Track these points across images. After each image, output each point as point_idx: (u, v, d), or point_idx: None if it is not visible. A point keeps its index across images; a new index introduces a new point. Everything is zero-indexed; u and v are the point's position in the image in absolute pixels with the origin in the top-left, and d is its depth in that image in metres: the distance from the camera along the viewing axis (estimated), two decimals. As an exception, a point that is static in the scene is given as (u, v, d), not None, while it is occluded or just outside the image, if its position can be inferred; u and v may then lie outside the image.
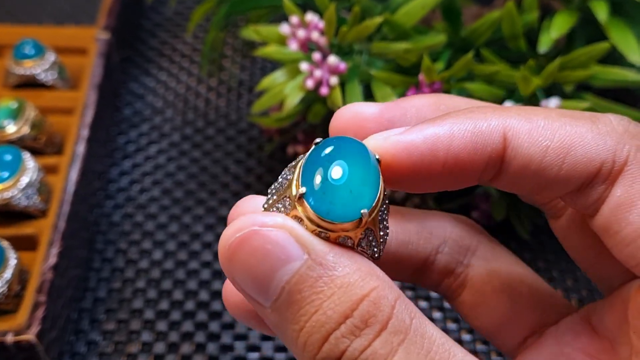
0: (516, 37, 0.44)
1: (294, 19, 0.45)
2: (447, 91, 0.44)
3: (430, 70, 0.42)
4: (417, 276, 0.32)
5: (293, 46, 0.45)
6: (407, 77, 0.44)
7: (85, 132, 0.52)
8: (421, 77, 0.43)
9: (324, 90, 0.44)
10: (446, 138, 0.24)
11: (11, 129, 0.49)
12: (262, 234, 0.22)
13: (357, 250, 0.23)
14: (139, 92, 0.63)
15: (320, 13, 0.45)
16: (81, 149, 0.51)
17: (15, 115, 0.50)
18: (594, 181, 0.24)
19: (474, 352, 0.46)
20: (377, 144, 0.25)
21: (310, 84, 0.44)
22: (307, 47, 0.45)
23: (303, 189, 0.23)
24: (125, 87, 0.63)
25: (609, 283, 0.29)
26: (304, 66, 0.44)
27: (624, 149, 0.24)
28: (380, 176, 0.24)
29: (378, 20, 0.43)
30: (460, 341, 0.47)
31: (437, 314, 0.49)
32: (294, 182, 0.24)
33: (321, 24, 0.44)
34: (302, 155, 0.25)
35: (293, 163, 0.25)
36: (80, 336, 0.47)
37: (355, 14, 0.43)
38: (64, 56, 0.58)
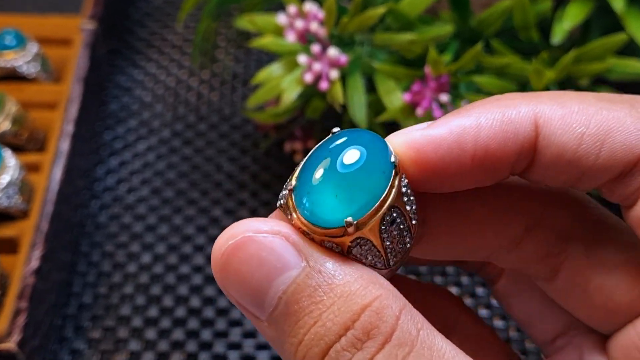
0: (528, 28, 0.44)
1: (292, 8, 0.45)
2: (454, 85, 0.44)
3: (437, 63, 0.42)
4: (459, 261, 0.32)
5: (290, 37, 0.45)
6: (412, 70, 0.44)
7: (69, 128, 0.52)
8: (427, 69, 0.43)
9: (323, 85, 0.44)
10: (473, 129, 0.24)
11: (-9, 124, 0.49)
12: (256, 241, 0.22)
13: (350, 257, 0.23)
14: (127, 86, 0.63)
15: (319, 2, 0.45)
16: (65, 145, 0.50)
17: (-5, 109, 0.49)
18: (633, 170, 0.24)
19: (507, 339, 0.47)
20: (400, 140, 0.24)
21: (308, 77, 0.44)
22: (306, 38, 0.45)
23: (293, 183, 0.23)
24: (112, 80, 0.63)
25: (551, 339, 0.29)
26: (302, 59, 0.44)
27: None
28: (394, 180, 0.23)
29: (381, 9, 0.42)
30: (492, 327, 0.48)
31: (468, 300, 0.49)
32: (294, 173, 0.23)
33: (320, 14, 0.44)
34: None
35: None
36: (64, 344, 0.47)
37: (357, 3, 0.43)
38: (47, 47, 0.57)
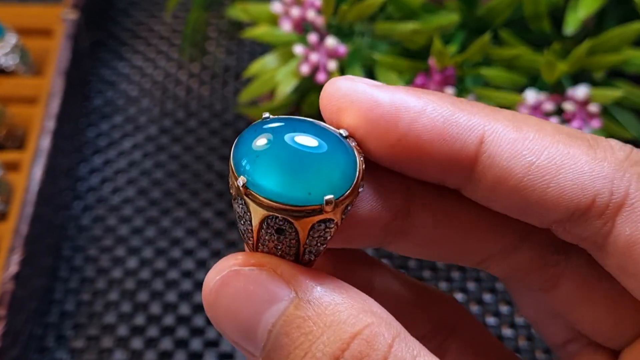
0: (539, 17, 0.44)
1: (287, -5, 0.45)
2: (460, 78, 0.44)
3: (442, 54, 0.42)
4: (489, 264, 0.31)
5: (286, 26, 0.45)
6: (415, 62, 0.44)
7: (50, 124, 0.51)
8: (431, 61, 0.43)
9: (321, 77, 0.44)
10: (415, 112, 0.24)
11: (-34, 120, 0.49)
12: (243, 274, 0.23)
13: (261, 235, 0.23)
14: (111, 79, 0.63)
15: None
16: (46, 143, 0.50)
17: (-29, 104, 0.49)
18: (587, 214, 0.24)
19: (516, 350, 0.47)
20: (341, 83, 0.24)
21: (305, 69, 0.44)
22: (302, 27, 0.45)
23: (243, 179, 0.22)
24: (95, 73, 0.63)
25: (562, 342, 0.30)
26: (298, 49, 0.44)
27: (624, 178, 0.23)
28: (359, 158, 0.23)
29: (383, -3, 0.43)
30: (500, 337, 0.48)
31: (475, 307, 0.48)
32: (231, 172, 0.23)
33: (318, 2, 0.44)
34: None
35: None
36: (45, 354, 0.47)
37: (357, -10, 0.43)
38: (27, 38, 0.57)
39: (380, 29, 0.45)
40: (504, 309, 0.49)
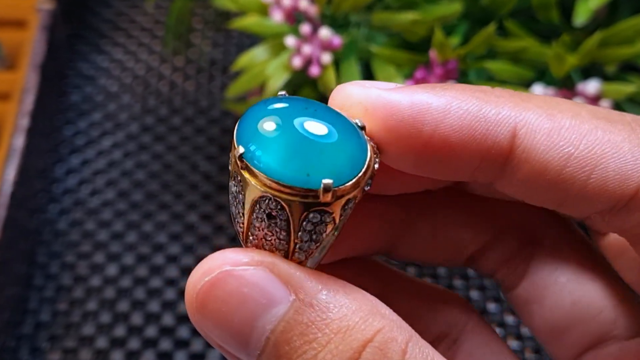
0: (547, 7, 0.44)
1: (278, -17, 0.45)
2: (463, 71, 0.44)
3: (443, 47, 0.42)
4: (470, 262, 0.31)
5: (276, 16, 0.45)
6: (415, 55, 0.44)
7: (24, 122, 0.51)
8: (432, 54, 0.42)
9: (314, 70, 0.44)
10: (439, 112, 0.23)
11: None
12: (236, 275, 0.22)
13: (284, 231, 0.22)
14: (90, 74, 0.63)
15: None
16: (19, 142, 0.50)
17: (-61, 100, 0.49)
18: (630, 204, 0.23)
19: None
20: (352, 91, 0.24)
21: (297, 62, 0.44)
22: (294, 17, 0.45)
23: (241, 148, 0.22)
24: (73, 67, 0.63)
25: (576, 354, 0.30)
26: (289, 41, 0.44)
27: None
28: (371, 150, 0.23)
29: (380, -15, 0.43)
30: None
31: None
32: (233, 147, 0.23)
33: (311, -10, 0.44)
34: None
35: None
36: (17, 369, 0.47)
37: (353, -22, 0.43)
38: (-1, 30, 0.57)
39: (378, 19, 0.45)
40: (509, 319, 0.49)
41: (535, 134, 0.23)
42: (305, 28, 0.44)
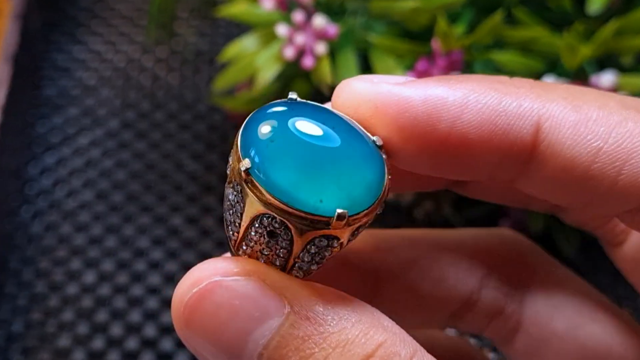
0: (559, -7, 0.44)
1: (269, -32, 0.45)
2: (469, 62, 0.44)
3: (447, 36, 0.42)
4: (456, 320, 0.31)
5: (267, 4, 0.45)
6: (417, 45, 0.44)
7: (-6, 117, 0.51)
8: (435, 44, 0.43)
9: (307, 62, 0.44)
10: (456, 107, 0.23)
11: None
12: (226, 286, 0.22)
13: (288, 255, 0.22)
14: (66, 66, 0.62)
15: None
16: (-11, 139, 0.50)
17: None
18: None
19: None
20: (361, 87, 0.24)
21: (289, 53, 0.44)
22: (286, 5, 0.45)
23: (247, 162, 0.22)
24: (47, 59, 0.63)
25: None
26: (281, 30, 0.44)
27: None
28: (387, 172, 0.23)
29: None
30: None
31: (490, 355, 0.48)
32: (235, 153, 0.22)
33: (304, -25, 0.44)
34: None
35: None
36: (-13, 385, 0.47)
37: (349, -38, 0.43)
38: (-33, 18, 0.57)
39: (377, 7, 0.45)
40: None
41: (560, 128, 0.23)
42: (298, 16, 0.44)
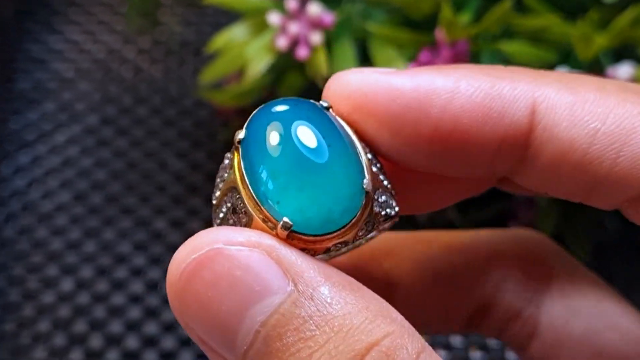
0: (572, -21, 0.44)
1: (260, -49, 0.45)
2: (475, 53, 0.44)
3: (452, 25, 0.42)
4: (472, 324, 0.32)
5: (258, -10, 0.45)
6: (419, 35, 0.44)
7: (-37, 113, 0.51)
8: (439, 34, 0.43)
9: (302, 52, 0.44)
10: (447, 91, 0.24)
11: None
12: (228, 255, 0.22)
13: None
14: (41, 57, 0.63)
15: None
16: (-42, 136, 0.50)
17: None
18: None
19: None
20: (351, 78, 0.24)
21: (282, 43, 0.44)
22: None
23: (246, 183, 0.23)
24: (21, 49, 0.63)
25: None
26: (273, 18, 0.44)
27: None
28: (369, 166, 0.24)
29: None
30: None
31: None
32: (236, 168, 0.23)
33: (298, -40, 0.44)
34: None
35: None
36: (-43, 401, 0.46)
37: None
38: None
39: (376, -7, 0.45)
40: None
41: (556, 110, 0.24)
42: (291, 3, 0.44)
